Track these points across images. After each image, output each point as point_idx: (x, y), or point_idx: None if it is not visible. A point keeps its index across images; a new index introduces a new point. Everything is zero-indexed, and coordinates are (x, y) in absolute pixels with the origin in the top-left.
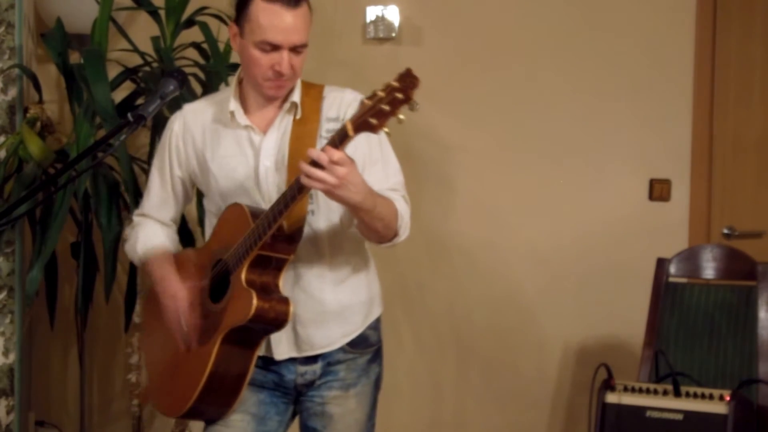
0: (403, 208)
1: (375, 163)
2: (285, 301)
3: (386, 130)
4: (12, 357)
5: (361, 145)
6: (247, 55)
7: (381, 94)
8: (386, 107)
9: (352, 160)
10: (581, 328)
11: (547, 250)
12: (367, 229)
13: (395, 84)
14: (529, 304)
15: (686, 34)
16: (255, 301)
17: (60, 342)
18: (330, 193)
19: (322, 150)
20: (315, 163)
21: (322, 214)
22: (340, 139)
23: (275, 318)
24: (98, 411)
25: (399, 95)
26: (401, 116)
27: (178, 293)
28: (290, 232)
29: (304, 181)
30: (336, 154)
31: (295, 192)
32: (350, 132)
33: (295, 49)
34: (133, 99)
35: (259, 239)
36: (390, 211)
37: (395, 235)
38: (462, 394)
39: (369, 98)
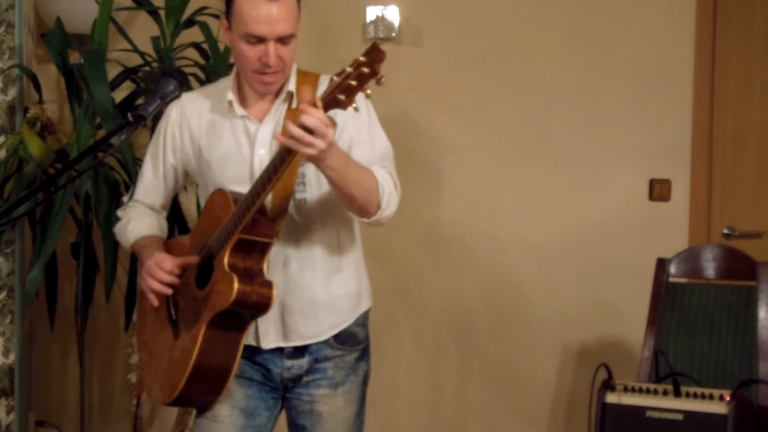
0: (385, 179)
1: (362, 144)
2: (268, 284)
3: (367, 92)
4: (12, 357)
5: (349, 125)
6: (236, 49)
7: (349, 69)
8: (353, 82)
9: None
10: (581, 327)
11: (547, 250)
12: (344, 195)
13: (362, 59)
14: (529, 304)
15: (686, 34)
16: (236, 285)
17: (60, 342)
18: (314, 159)
19: (307, 114)
20: (304, 129)
21: (315, 204)
22: None
23: (258, 301)
24: (98, 411)
25: (365, 70)
26: (368, 91)
27: (163, 261)
28: (272, 214)
29: (293, 145)
30: (325, 117)
31: (277, 163)
32: (320, 109)
33: (282, 40)
34: (133, 99)
35: (240, 221)
36: (366, 176)
37: (378, 207)
38: (462, 394)
39: (338, 74)
